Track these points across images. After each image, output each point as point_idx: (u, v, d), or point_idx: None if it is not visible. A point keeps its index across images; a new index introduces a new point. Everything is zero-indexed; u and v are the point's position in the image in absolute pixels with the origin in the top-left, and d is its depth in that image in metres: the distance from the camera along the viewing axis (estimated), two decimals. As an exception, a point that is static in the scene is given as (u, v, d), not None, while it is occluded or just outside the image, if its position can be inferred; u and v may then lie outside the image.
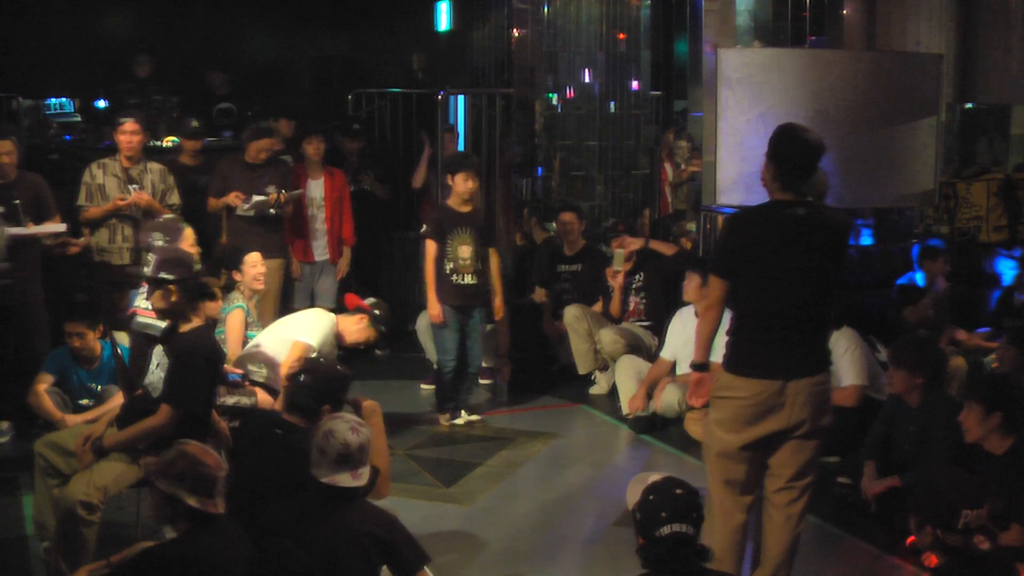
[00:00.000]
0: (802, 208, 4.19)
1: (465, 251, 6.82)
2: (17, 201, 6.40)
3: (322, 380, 4.45)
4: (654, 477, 3.45)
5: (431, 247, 6.82)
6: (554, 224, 8.74)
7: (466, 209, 6.85)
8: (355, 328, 6.07)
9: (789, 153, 4.22)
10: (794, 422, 4.19)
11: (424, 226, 6.96)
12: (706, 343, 4.34)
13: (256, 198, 7.16)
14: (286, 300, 7.80)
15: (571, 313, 7.80)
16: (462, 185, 6.77)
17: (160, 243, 5.36)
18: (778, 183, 4.21)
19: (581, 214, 8.38)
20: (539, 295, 8.49)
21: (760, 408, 4.17)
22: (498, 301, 7.03)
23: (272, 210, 7.25)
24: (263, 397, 5.51)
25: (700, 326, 4.41)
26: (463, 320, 6.92)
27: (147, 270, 4.60)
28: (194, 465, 3.62)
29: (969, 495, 3.41)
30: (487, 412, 7.35)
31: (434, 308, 6.83)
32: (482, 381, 7.89)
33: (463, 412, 7.11)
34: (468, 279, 6.84)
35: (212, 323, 5.22)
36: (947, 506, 3.38)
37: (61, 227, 6.65)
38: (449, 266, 6.82)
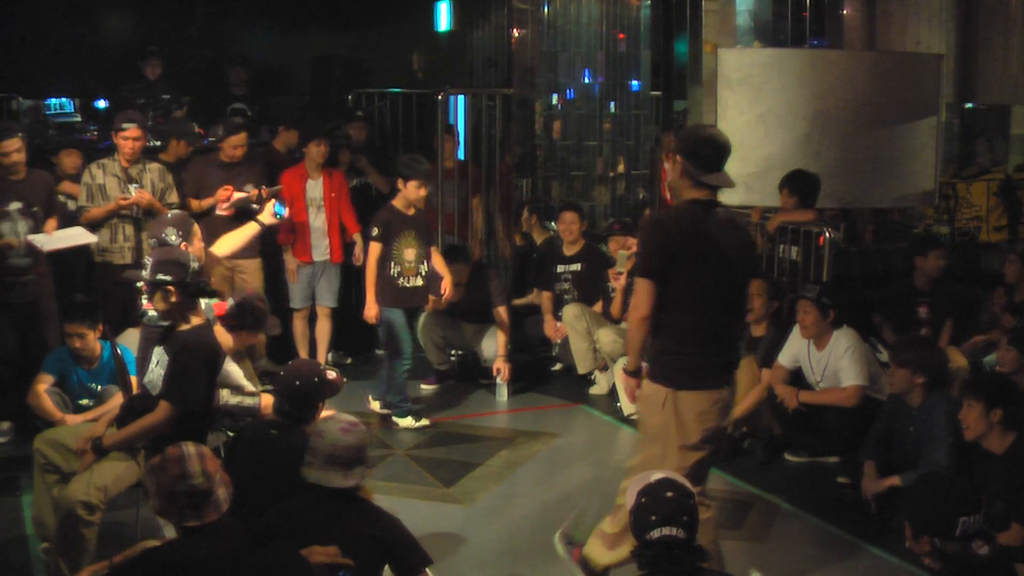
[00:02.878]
0: (719, 208, 4.27)
1: (410, 254, 6.87)
2: (36, 208, 6.48)
3: (304, 388, 4.47)
4: (655, 476, 3.44)
5: (376, 249, 6.82)
6: (554, 224, 8.74)
7: (411, 212, 6.90)
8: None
9: (705, 150, 4.22)
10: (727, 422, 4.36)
11: (374, 228, 6.85)
12: (641, 350, 4.30)
13: (236, 195, 7.17)
14: (281, 300, 7.80)
15: (570, 312, 7.80)
16: (414, 193, 6.83)
17: (174, 238, 5.35)
18: (690, 181, 4.22)
19: (582, 214, 8.38)
20: (536, 297, 8.49)
21: (717, 416, 4.26)
22: (446, 282, 7.11)
23: (255, 206, 7.26)
24: (266, 399, 5.50)
25: (635, 335, 4.27)
26: (409, 321, 6.98)
27: (145, 273, 4.59)
28: (158, 472, 3.56)
29: (965, 502, 3.40)
30: (487, 412, 7.36)
31: (371, 309, 6.84)
32: (482, 381, 7.89)
33: (376, 403, 7.11)
34: (413, 281, 6.90)
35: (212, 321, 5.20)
36: (944, 515, 3.37)
37: (92, 238, 6.61)
38: (396, 269, 6.85)
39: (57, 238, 6.51)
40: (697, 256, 4.16)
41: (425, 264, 6.94)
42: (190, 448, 3.65)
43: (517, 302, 8.52)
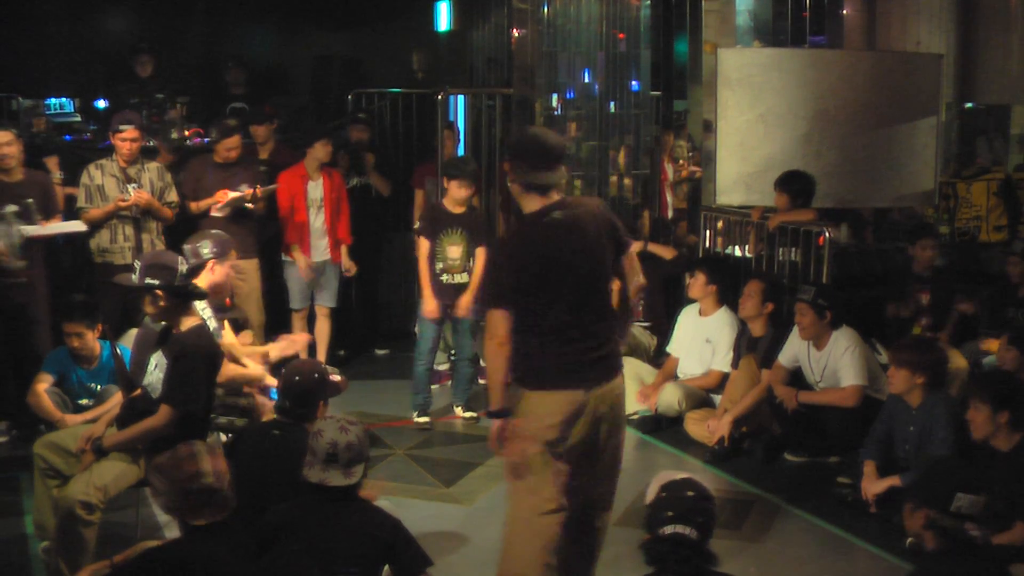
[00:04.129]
0: (559, 211, 4.07)
1: (454, 251, 6.93)
2: (30, 200, 6.47)
3: (305, 384, 4.49)
4: (680, 475, 3.44)
5: (423, 244, 6.95)
6: None
7: (459, 210, 6.96)
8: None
9: (535, 156, 4.05)
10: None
11: (417, 224, 7.04)
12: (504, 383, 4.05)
13: (231, 195, 7.19)
14: (280, 300, 7.80)
15: None
16: (456, 192, 6.91)
17: (207, 251, 5.37)
18: (534, 191, 4.06)
19: None
20: None
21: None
22: (465, 298, 6.94)
23: (249, 204, 7.28)
24: (261, 400, 5.50)
25: (497, 364, 4.04)
26: (453, 318, 7.04)
27: (134, 277, 4.59)
28: (173, 469, 3.56)
29: (965, 480, 3.45)
30: (485, 412, 7.34)
31: (428, 304, 6.94)
32: (481, 381, 7.88)
33: (459, 408, 7.26)
34: (457, 278, 6.95)
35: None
36: (943, 487, 3.41)
37: (81, 227, 6.70)
38: (439, 265, 6.96)
39: (48, 228, 6.58)
40: (550, 266, 4.04)
41: (472, 262, 6.98)
42: (200, 446, 3.67)
43: None
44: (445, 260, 6.94)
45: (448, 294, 6.97)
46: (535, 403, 4.08)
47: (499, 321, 4.01)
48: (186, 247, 5.45)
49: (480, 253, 6.96)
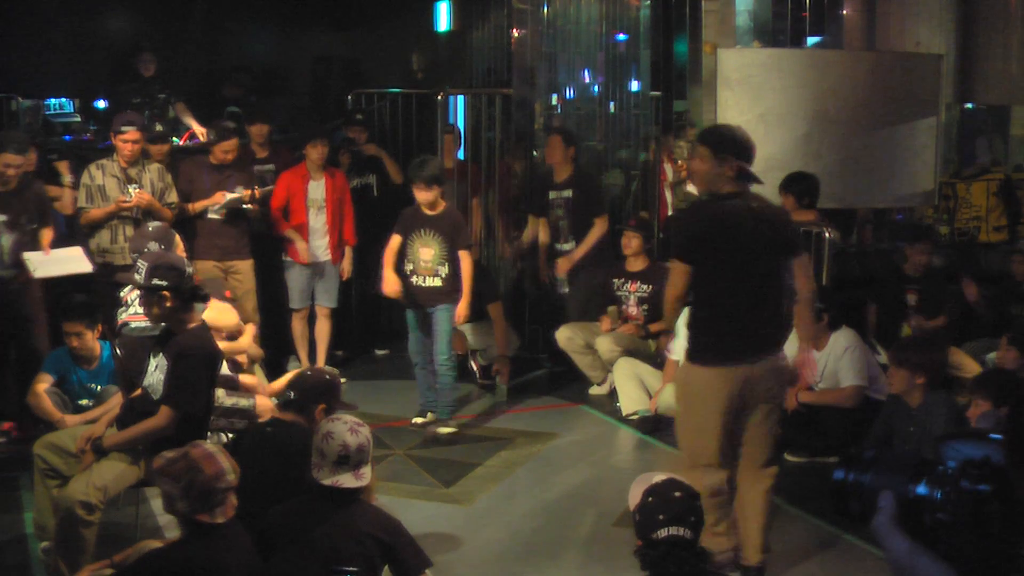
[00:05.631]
0: (744, 198, 4.53)
1: (426, 253, 6.75)
2: (23, 221, 6.47)
3: (313, 380, 4.52)
4: (657, 477, 3.43)
5: (393, 239, 6.82)
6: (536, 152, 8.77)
7: (432, 212, 6.76)
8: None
9: (743, 149, 4.55)
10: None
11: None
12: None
13: (228, 196, 7.19)
14: (279, 301, 7.80)
15: (563, 335, 7.63)
16: (417, 195, 6.74)
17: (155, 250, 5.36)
18: (731, 177, 4.51)
19: (569, 138, 8.11)
20: (533, 227, 8.31)
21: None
22: (461, 306, 6.75)
23: (248, 205, 7.28)
24: (261, 400, 5.50)
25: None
26: (424, 320, 6.85)
27: (139, 278, 4.58)
28: (191, 470, 3.54)
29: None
30: (487, 412, 7.35)
31: (388, 283, 6.78)
32: (482, 381, 7.88)
33: (429, 413, 7.00)
34: (428, 281, 6.75)
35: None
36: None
37: (87, 267, 6.58)
38: (409, 267, 6.80)
39: (53, 260, 6.47)
40: (719, 244, 4.52)
41: (446, 266, 6.74)
42: (210, 447, 3.66)
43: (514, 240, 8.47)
44: (416, 261, 6.76)
45: (418, 296, 6.79)
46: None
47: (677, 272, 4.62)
48: (132, 254, 5.47)
49: (464, 257, 6.73)
